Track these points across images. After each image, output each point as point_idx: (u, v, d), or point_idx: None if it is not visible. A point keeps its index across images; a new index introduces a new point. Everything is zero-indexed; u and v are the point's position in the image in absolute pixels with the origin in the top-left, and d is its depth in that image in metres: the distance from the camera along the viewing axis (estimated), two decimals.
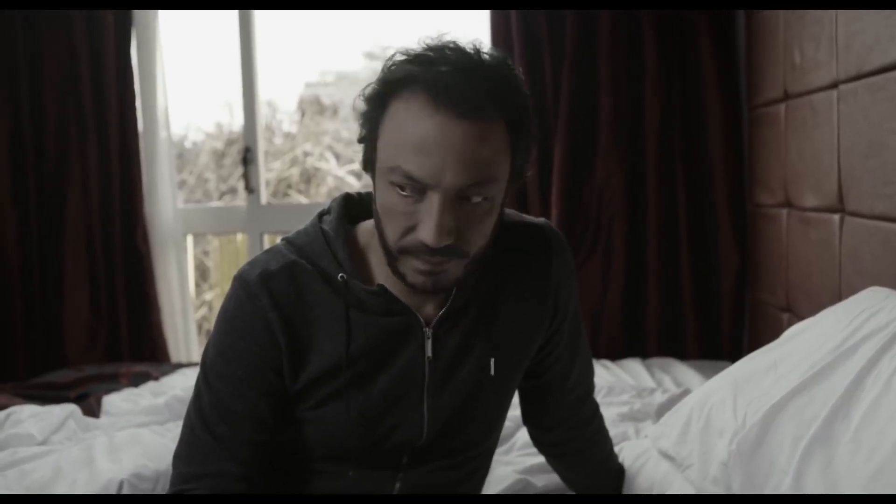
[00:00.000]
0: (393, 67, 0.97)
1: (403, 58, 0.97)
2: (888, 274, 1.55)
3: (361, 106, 1.00)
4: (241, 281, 1.05)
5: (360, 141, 1.01)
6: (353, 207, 1.12)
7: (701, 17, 2.53)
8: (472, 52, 0.96)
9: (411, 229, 0.96)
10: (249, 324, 1.03)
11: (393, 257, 0.99)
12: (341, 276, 1.03)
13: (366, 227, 1.10)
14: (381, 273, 1.06)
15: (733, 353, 2.61)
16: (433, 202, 0.93)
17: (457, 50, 0.95)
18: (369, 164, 1.01)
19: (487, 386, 1.12)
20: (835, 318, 1.36)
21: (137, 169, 2.86)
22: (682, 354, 2.62)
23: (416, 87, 0.93)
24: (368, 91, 0.98)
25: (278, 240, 1.12)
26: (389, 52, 0.99)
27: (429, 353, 1.07)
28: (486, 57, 0.96)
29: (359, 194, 1.15)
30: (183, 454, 1.07)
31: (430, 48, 0.96)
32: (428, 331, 1.07)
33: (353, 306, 1.04)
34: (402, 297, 1.05)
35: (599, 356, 2.60)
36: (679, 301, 2.64)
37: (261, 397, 1.05)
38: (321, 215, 1.11)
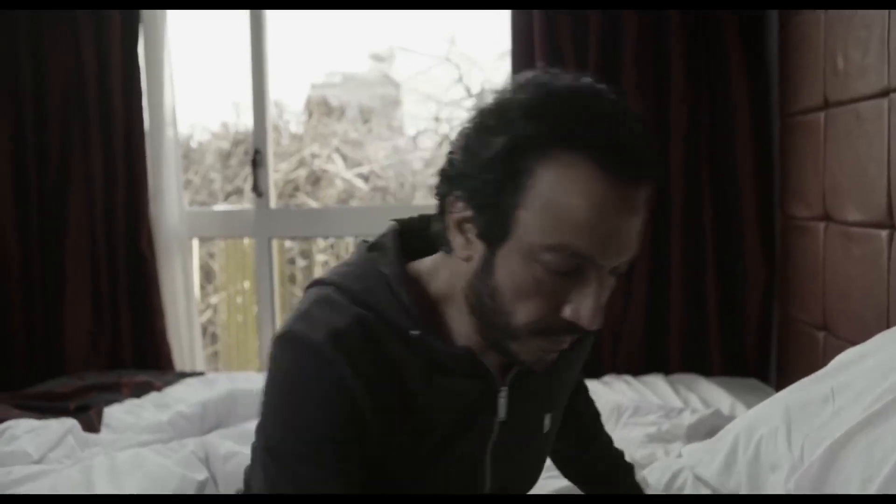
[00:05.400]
0: (524, 117, 0.80)
1: (530, 97, 0.81)
2: None
3: (474, 161, 0.82)
4: (303, 345, 0.85)
5: (475, 206, 0.84)
6: (408, 241, 0.96)
7: (730, 22, 2.43)
8: (608, 92, 0.81)
9: (557, 309, 0.84)
10: (328, 392, 0.85)
11: (510, 337, 0.86)
12: (415, 333, 0.88)
13: (437, 275, 0.93)
14: (460, 329, 0.92)
15: (760, 370, 2.52)
16: (592, 281, 0.82)
17: (594, 92, 0.82)
18: (498, 234, 0.83)
19: (541, 441, 1.06)
20: None
21: (143, 169, 2.76)
22: (706, 370, 2.51)
23: (577, 151, 0.78)
24: (494, 148, 0.81)
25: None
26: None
27: (502, 415, 0.96)
28: (619, 98, 0.83)
29: (410, 221, 0.98)
30: None
31: (559, 87, 0.81)
32: (504, 391, 0.96)
33: (432, 367, 0.90)
34: (483, 359, 0.93)
35: (620, 371, 2.50)
36: (703, 314, 2.53)
37: (353, 471, 0.88)
38: (369, 250, 0.94)
